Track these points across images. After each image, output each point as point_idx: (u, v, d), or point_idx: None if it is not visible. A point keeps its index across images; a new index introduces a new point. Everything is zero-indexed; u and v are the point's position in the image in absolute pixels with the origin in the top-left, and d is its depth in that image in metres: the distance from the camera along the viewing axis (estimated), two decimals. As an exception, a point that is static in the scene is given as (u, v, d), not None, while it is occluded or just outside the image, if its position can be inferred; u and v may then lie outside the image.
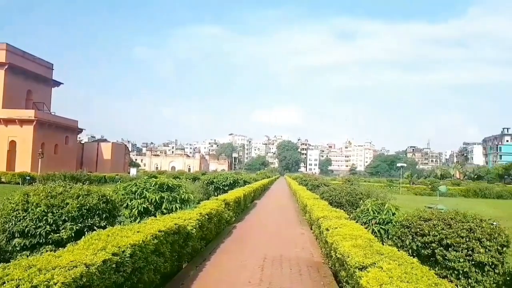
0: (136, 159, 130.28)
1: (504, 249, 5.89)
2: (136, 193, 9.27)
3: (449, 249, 5.74)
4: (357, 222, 8.37)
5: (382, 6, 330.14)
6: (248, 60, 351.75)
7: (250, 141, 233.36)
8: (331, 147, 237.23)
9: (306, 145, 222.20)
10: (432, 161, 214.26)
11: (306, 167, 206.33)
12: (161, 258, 5.55)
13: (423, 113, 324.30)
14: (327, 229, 7.23)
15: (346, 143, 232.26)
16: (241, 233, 11.65)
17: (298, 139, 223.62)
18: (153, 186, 9.59)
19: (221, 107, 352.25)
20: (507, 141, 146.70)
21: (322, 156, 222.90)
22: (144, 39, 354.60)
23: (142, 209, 8.91)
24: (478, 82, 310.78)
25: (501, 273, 5.89)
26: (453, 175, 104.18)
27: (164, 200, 9.29)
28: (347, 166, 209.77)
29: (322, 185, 25.12)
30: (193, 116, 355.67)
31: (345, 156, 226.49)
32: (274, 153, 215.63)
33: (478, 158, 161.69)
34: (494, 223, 6.10)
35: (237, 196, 14.79)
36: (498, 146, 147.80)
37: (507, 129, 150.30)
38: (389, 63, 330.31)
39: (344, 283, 5.56)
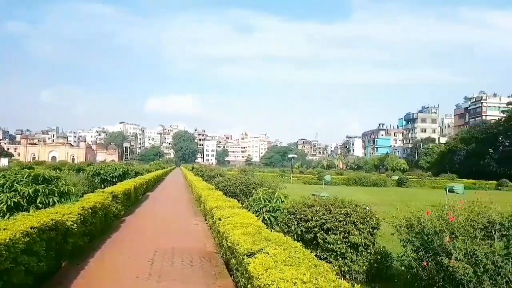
0: (8, 148, 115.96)
1: (375, 231, 6.59)
2: (5, 186, 8.18)
3: (329, 232, 6.22)
4: (249, 210, 8.58)
5: (279, 3, 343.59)
6: (141, 45, 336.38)
7: (143, 130, 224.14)
8: (228, 138, 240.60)
9: (203, 135, 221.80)
10: (319, 152, 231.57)
11: (203, 158, 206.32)
12: (35, 258, 4.99)
13: (313, 108, 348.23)
14: (220, 219, 7.29)
15: (242, 135, 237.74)
16: (131, 227, 11.12)
17: (195, 130, 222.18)
18: (25, 178, 8.56)
19: (110, 93, 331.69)
20: (382, 135, 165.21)
21: (219, 147, 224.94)
22: (19, 12, 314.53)
23: (12, 204, 7.89)
24: (360, 81, 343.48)
25: (372, 253, 6.57)
26: (337, 165, 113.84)
27: (40, 194, 8.36)
28: (243, 157, 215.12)
29: (218, 175, 25.31)
30: (78, 102, 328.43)
31: (242, 147, 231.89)
32: (169, 144, 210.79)
33: (358, 150, 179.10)
34: (367, 208, 6.78)
35: (127, 188, 14.06)
36: (375, 139, 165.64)
37: (382, 124, 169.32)
38: (284, 58, 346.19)
39: (234, 271, 5.64)
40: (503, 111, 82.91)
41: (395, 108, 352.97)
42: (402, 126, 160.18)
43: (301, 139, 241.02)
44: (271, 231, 6.05)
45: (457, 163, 79.65)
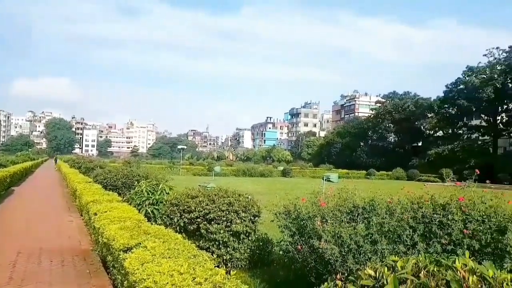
0: None
1: (256, 218, 6.83)
2: None
3: (212, 222, 6.26)
4: (130, 204, 8.19)
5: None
6: (5, 18, 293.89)
7: (8, 117, 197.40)
8: (111, 127, 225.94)
9: (82, 124, 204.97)
10: (210, 144, 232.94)
11: (82, 148, 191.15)
12: None
13: (204, 99, 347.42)
14: (96, 214, 6.85)
15: (128, 124, 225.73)
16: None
17: (73, 117, 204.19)
18: None
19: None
20: (270, 128, 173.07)
21: (101, 137, 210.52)
22: None
23: None
24: (249, 75, 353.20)
25: (253, 240, 6.80)
26: (227, 157, 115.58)
27: None
28: (128, 148, 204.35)
29: (97, 167, 23.64)
30: None
31: (127, 138, 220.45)
32: (41, 132, 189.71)
33: (247, 142, 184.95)
34: (249, 196, 6.98)
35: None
36: (263, 132, 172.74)
37: (270, 118, 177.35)
38: (172, 46, 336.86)
39: (111, 268, 5.34)
40: (372, 109, 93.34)
41: (282, 103, 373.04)
42: (287, 120, 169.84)
43: (192, 130, 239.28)
44: (154, 224, 5.86)
45: (334, 155, 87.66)
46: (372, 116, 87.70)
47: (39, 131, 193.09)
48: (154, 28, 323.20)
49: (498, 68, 59.05)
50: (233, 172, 52.80)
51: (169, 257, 3.80)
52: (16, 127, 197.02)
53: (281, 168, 59.98)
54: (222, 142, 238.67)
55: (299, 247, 5.21)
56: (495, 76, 57.99)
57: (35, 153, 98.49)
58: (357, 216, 5.25)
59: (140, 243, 4.42)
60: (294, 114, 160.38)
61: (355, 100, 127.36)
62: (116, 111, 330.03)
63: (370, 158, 75.73)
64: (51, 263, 6.64)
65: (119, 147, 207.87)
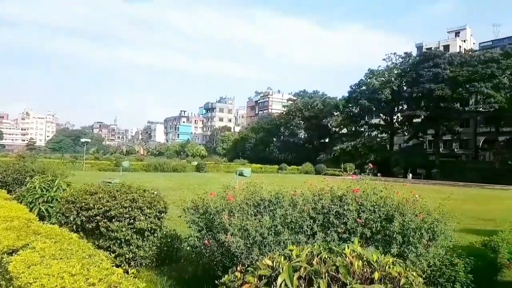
0: None
1: (162, 214, 6.63)
2: None
3: (113, 220, 5.92)
4: (21, 202, 7.42)
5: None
6: None
7: None
8: (3, 117, 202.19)
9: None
10: (119, 137, 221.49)
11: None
12: None
13: (111, 89, 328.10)
14: (-23, 214, 6.05)
15: (23, 114, 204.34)
16: None
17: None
18: None
19: None
20: (184, 122, 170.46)
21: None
22: None
23: None
24: (162, 66, 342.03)
25: (159, 237, 6.59)
26: (137, 151, 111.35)
27: None
28: (24, 140, 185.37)
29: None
30: None
31: (22, 129, 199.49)
32: None
33: (160, 136, 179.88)
34: (155, 192, 6.75)
35: None
36: (177, 126, 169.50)
37: (184, 111, 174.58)
38: (70, 29, 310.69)
39: (-6, 274, 4.76)
40: (284, 106, 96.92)
41: (197, 97, 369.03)
42: (202, 114, 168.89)
43: (98, 123, 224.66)
44: (47, 223, 5.37)
45: (248, 150, 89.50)
46: (284, 113, 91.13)
47: None
48: (47, 7, 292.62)
49: (395, 72, 65.20)
50: (144, 167, 50.91)
51: (60, 258, 3.53)
52: None
53: (195, 163, 59.50)
54: (132, 136, 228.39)
55: (206, 241, 5.18)
56: (392, 79, 64.06)
57: None
58: (264, 209, 5.37)
59: (28, 244, 4.03)
60: (209, 108, 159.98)
61: (269, 97, 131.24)
62: (8, 99, 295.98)
63: (282, 153, 78.83)
64: None
65: (12, 139, 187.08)
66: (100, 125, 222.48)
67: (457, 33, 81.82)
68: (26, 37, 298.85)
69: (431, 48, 71.56)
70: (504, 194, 27.59)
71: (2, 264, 3.99)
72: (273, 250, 4.65)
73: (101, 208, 5.80)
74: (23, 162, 14.76)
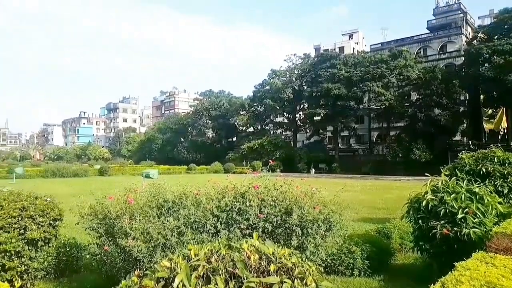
0: None
1: (57, 222, 6.19)
2: None
3: (1, 231, 5.37)
4: None
5: None
6: None
7: None
8: None
9: None
10: (11, 142, 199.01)
11: None
12: None
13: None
14: None
15: None
16: None
17: None
18: None
19: None
20: (84, 123, 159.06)
21: None
22: None
23: None
24: (57, 63, 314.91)
25: (55, 246, 6.15)
26: (33, 156, 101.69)
27: None
28: None
29: None
30: None
31: None
32: None
33: (58, 139, 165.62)
34: (48, 199, 6.27)
35: None
36: (76, 128, 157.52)
37: (84, 112, 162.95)
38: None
39: None
40: (190, 106, 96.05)
41: (97, 97, 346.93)
42: (104, 115, 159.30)
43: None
44: None
45: (155, 151, 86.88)
46: (191, 112, 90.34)
47: None
48: None
49: (296, 72, 68.38)
50: (40, 173, 46.43)
51: None
52: None
53: (98, 166, 55.98)
54: (26, 140, 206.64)
55: (105, 248, 4.97)
56: (293, 79, 67.29)
57: None
58: (167, 211, 5.32)
59: None
60: (111, 109, 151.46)
61: (175, 97, 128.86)
62: None
63: (191, 153, 77.99)
64: None
65: None
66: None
67: (350, 36, 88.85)
68: None
69: (327, 49, 76.07)
70: (395, 184, 30.49)
71: None
72: (176, 252, 4.65)
73: (-16, 219, 5.23)
74: None
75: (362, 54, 65.11)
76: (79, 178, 45.27)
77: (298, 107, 69.96)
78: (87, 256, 6.24)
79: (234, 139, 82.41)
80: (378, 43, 70.49)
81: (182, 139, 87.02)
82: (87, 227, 5.37)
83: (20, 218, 5.53)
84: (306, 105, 66.00)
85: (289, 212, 5.40)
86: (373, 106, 60.76)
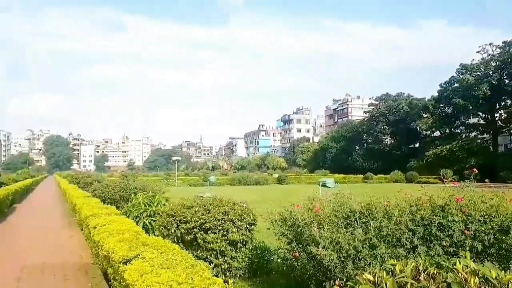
0: None
1: (252, 227, 6.79)
2: None
3: (208, 232, 6.23)
4: (128, 216, 8.16)
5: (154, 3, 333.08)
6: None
7: (8, 136, 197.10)
8: (107, 142, 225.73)
9: (79, 140, 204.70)
10: (204, 154, 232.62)
11: (80, 164, 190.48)
12: None
13: (197, 110, 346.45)
14: (95, 227, 6.86)
15: (123, 138, 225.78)
16: (-8, 245, 9.70)
17: (70, 134, 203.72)
18: None
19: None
20: (263, 135, 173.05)
21: (98, 152, 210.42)
22: None
23: None
24: (239, 85, 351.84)
25: (250, 248, 6.76)
26: (222, 166, 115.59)
27: None
28: (125, 161, 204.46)
29: (95, 182, 23.55)
30: None
31: (123, 152, 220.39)
32: (40, 150, 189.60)
33: (241, 150, 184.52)
34: (244, 205, 6.95)
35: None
36: (256, 140, 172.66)
37: (262, 125, 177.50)
38: (160, 60, 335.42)
39: (112, 280, 5.29)
40: (365, 112, 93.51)
41: (274, 111, 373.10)
42: (280, 127, 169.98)
43: (186, 141, 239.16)
44: (151, 235, 5.82)
45: (329, 160, 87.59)
46: (366, 119, 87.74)
47: (38, 148, 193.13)
48: (139, 42, 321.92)
49: (493, 64, 58.37)
50: (228, 181, 52.71)
51: (167, 268, 3.82)
52: (16, 146, 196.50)
53: (276, 175, 59.99)
54: (216, 152, 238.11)
55: (296, 254, 5.17)
56: (490, 72, 57.56)
57: (35, 171, 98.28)
58: (354, 221, 5.22)
59: (139, 255, 4.43)
60: (286, 120, 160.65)
61: (348, 104, 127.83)
62: (111, 125, 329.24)
63: (367, 162, 75.79)
64: (54, 277, 6.69)
65: (115, 161, 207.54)
66: (188, 144, 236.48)
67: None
68: (115, 69, 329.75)
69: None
70: None
71: (119, 272, 4.42)
72: (368, 264, 4.48)
73: (198, 220, 6.16)
74: (126, 180, 16.23)
75: None
76: (260, 186, 49.34)
77: (497, 104, 59.94)
78: (278, 260, 6.62)
79: (417, 145, 76.37)
80: None
81: (356, 147, 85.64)
82: (278, 233, 5.68)
83: (223, 221, 6.30)
84: (508, 101, 56.51)
85: (505, 229, 4.58)
86: None
